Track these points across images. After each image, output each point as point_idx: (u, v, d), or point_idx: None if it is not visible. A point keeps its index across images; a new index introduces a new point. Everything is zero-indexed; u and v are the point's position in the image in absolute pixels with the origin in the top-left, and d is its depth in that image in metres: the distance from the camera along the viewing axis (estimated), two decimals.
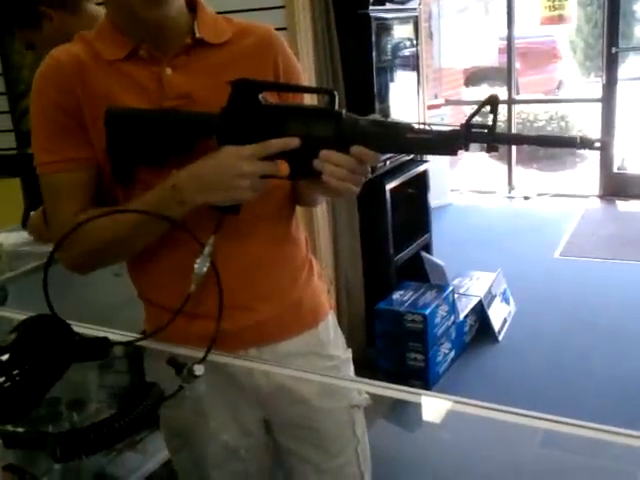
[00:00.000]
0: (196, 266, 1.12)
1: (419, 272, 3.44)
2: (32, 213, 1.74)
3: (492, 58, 6.88)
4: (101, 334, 1.20)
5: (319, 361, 1.31)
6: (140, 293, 1.28)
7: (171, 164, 1.10)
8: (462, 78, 7.57)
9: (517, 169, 6.20)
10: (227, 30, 1.17)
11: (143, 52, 1.13)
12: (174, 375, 1.09)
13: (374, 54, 3.04)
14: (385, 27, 3.20)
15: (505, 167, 6.10)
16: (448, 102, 6.11)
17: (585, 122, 6.99)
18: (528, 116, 7.13)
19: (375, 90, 3.07)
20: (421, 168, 3.51)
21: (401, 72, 3.41)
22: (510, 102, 5.98)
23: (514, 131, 5.99)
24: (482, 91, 8.57)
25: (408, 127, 1.04)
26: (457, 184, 6.16)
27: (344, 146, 1.04)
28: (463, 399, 1.08)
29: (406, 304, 2.99)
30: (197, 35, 1.14)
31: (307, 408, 1.29)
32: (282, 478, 1.43)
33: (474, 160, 7.22)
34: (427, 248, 3.60)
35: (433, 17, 5.86)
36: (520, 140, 1.04)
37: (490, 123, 0.99)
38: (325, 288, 1.38)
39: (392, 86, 3.33)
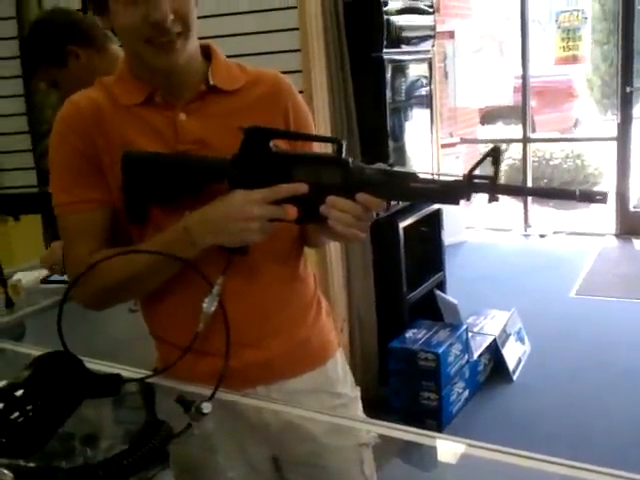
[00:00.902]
0: (204, 305, 1.15)
1: (433, 310, 3.44)
2: (53, 243, 1.77)
3: (508, 97, 6.92)
4: (114, 371, 1.23)
5: (328, 399, 1.33)
6: (152, 331, 1.31)
7: (184, 206, 1.14)
8: (477, 117, 7.62)
9: (533, 207, 6.19)
10: (240, 78, 1.22)
11: (158, 98, 1.17)
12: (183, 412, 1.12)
13: (388, 95, 3.10)
14: (399, 69, 3.27)
15: (521, 205, 6.10)
16: (463, 140, 6.15)
17: (601, 160, 6.99)
18: (544, 154, 7.13)
19: (389, 129, 3.13)
20: (435, 206, 3.53)
21: (415, 112, 3.47)
22: (525, 140, 6.01)
23: (529, 169, 6.02)
24: (498, 129, 8.64)
25: (413, 177, 1.07)
26: (472, 221, 6.17)
27: (350, 193, 1.07)
28: (474, 442, 1.08)
29: (419, 342, 2.99)
30: (211, 82, 1.19)
31: (315, 445, 1.30)
32: None
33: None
34: (441, 286, 3.60)
35: (448, 57, 5.94)
36: (521, 191, 1.07)
37: (494, 171, 1.02)
38: (333, 326, 1.40)
39: (406, 125, 3.39)
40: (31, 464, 0.99)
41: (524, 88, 5.89)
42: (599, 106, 11.12)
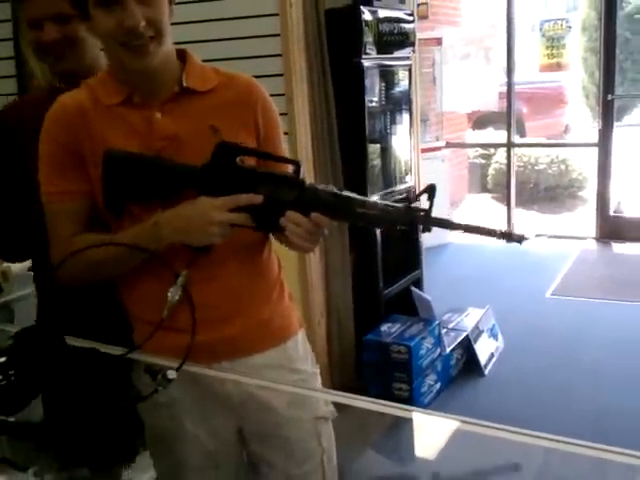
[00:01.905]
0: (169, 295, 1.28)
1: (409, 306, 3.57)
2: None
3: (497, 103, 7.08)
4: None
5: (288, 374, 1.44)
6: (127, 309, 1.43)
7: (157, 203, 1.28)
8: (465, 122, 7.77)
9: (518, 210, 6.34)
10: (213, 79, 1.34)
11: (136, 98, 1.30)
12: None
13: (367, 99, 3.23)
14: (379, 74, 3.40)
15: (505, 208, 6.25)
16: (449, 145, 6.29)
17: (585, 166, 7.14)
18: (529, 159, 7.29)
19: (367, 133, 3.26)
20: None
21: (394, 116, 3.60)
22: (509, 145, 6.16)
23: (513, 174, 6.17)
24: (488, 134, 8.77)
25: (359, 202, 1.22)
26: None
27: (303, 210, 1.22)
28: (429, 411, 1.18)
29: (392, 336, 3.13)
30: (184, 84, 1.31)
31: (275, 417, 1.41)
32: None
33: (476, 201, 7.38)
34: (418, 283, 3.73)
35: (436, 63, 6.08)
36: (450, 225, 1.22)
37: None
38: (295, 309, 1.52)
39: (385, 129, 3.52)
40: (11, 419, 1.12)
41: (509, 94, 6.03)
42: (594, 113, 11.25)
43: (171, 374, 1.24)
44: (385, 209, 1.21)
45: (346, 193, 1.23)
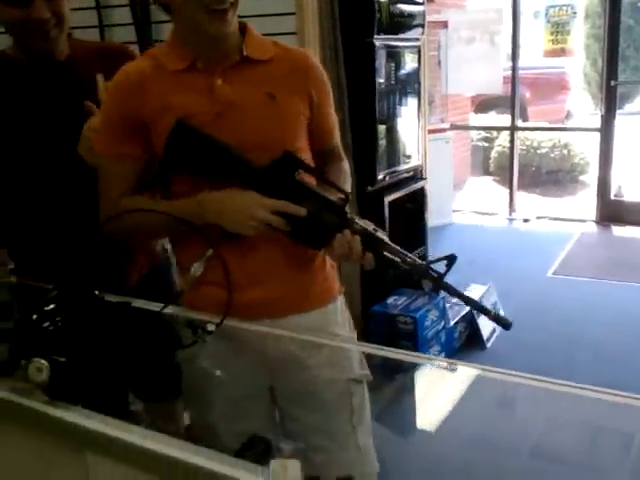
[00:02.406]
0: (192, 269, 1.38)
1: (415, 281, 3.66)
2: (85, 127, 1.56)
3: (500, 87, 7.15)
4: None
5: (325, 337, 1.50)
6: (177, 260, 1.53)
7: (205, 180, 1.36)
8: (469, 104, 7.83)
9: (520, 193, 6.44)
10: (271, 50, 1.43)
11: (200, 64, 1.38)
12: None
13: (377, 79, 3.31)
14: (389, 54, 3.48)
15: (507, 190, 6.34)
16: (453, 127, 6.37)
17: (588, 150, 7.23)
18: (532, 143, 7.38)
19: (377, 112, 3.34)
20: (420, 184, 3.77)
21: (403, 97, 3.69)
22: (513, 129, 6.24)
23: (516, 156, 6.27)
24: (490, 118, 8.84)
25: (387, 247, 1.34)
26: (460, 205, 6.41)
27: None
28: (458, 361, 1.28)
29: (399, 308, 3.24)
30: (244, 53, 1.39)
31: (310, 375, 1.48)
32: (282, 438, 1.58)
33: (478, 183, 7.47)
34: (423, 259, 3.82)
35: (441, 46, 6.13)
36: (454, 293, 1.35)
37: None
38: (337, 277, 1.59)
39: (394, 110, 3.61)
40: (62, 359, 1.22)
41: (513, 79, 6.11)
42: (595, 100, 11.29)
43: (210, 326, 1.34)
44: (406, 261, 1.34)
45: (380, 235, 1.35)
